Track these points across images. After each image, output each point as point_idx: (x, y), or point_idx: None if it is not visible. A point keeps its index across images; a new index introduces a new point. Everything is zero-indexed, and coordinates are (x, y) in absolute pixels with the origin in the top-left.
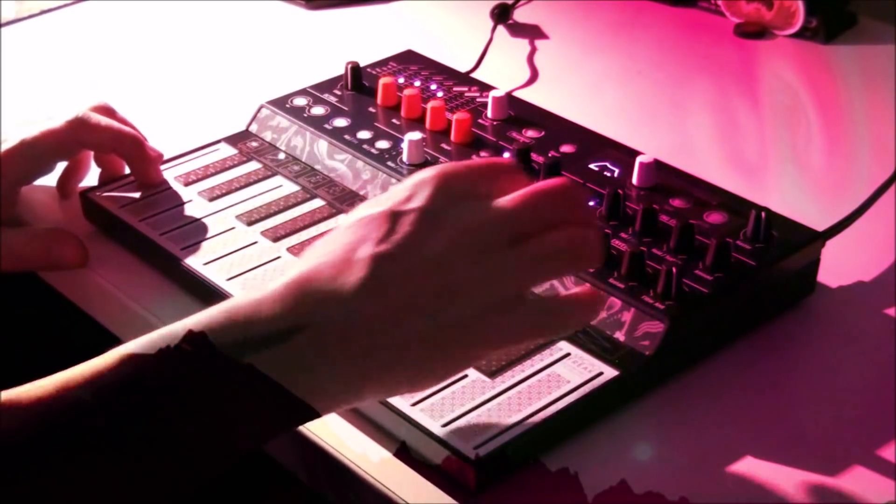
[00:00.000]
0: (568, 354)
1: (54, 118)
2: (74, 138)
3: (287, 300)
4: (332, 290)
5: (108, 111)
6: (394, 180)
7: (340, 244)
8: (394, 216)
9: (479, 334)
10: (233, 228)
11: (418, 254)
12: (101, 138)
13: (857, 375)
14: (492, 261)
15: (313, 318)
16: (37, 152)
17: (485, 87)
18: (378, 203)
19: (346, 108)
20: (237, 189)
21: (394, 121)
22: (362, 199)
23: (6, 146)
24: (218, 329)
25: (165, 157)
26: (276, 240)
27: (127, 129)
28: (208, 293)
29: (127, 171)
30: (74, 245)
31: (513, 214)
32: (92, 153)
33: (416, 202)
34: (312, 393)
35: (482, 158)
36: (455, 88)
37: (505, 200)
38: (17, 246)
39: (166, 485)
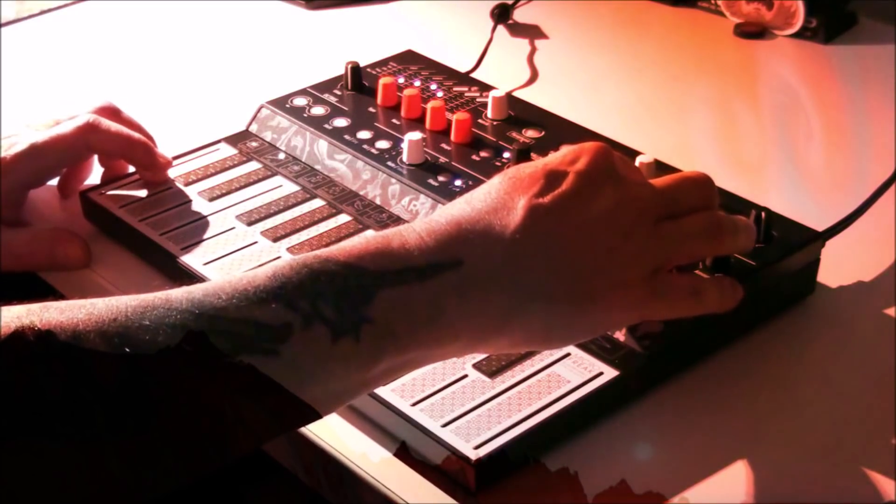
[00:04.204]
0: (568, 354)
1: (63, 122)
2: (84, 144)
3: (441, 237)
4: (489, 231)
5: (113, 112)
6: (394, 180)
7: (497, 192)
8: (553, 174)
9: (618, 301)
10: (233, 228)
11: (575, 213)
12: (112, 144)
13: (857, 375)
14: (639, 234)
15: (470, 255)
16: (46, 156)
17: (485, 87)
18: (536, 162)
19: (346, 108)
20: (237, 189)
21: (394, 121)
22: (362, 199)
23: (16, 150)
24: (368, 258)
25: (165, 156)
26: (276, 240)
27: (137, 135)
28: None
29: (131, 169)
30: (77, 245)
31: (664, 193)
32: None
33: (578, 165)
34: (451, 326)
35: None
36: (455, 88)
37: (655, 181)
38: (19, 246)
39: (158, 479)
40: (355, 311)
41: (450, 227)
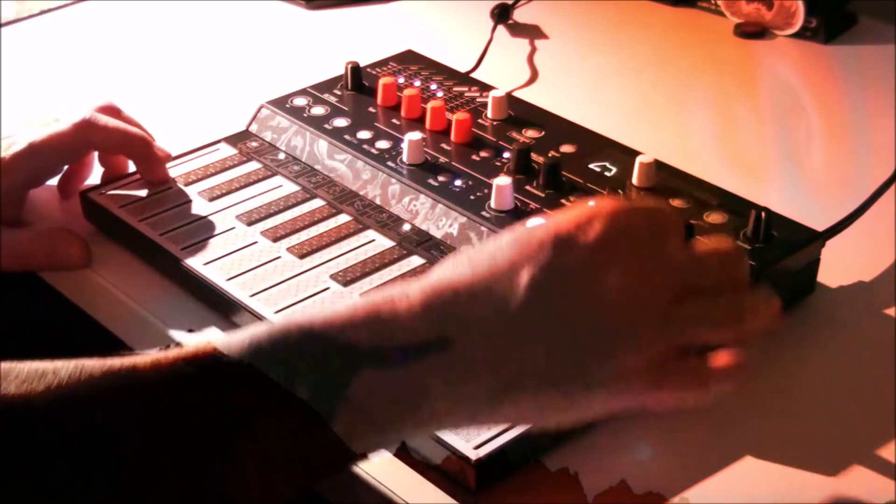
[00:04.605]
0: None
1: (61, 120)
2: (82, 140)
3: (434, 308)
4: (487, 302)
5: (113, 111)
6: (394, 180)
7: (501, 256)
8: (563, 241)
9: (616, 391)
10: (233, 228)
11: (582, 290)
12: (109, 139)
13: (857, 375)
14: (651, 319)
15: (463, 333)
16: (45, 155)
17: (485, 87)
18: (548, 224)
19: (346, 108)
20: (237, 189)
21: (394, 121)
22: (362, 199)
23: (14, 149)
24: (352, 331)
25: (164, 149)
26: (276, 240)
27: (135, 129)
28: (208, 293)
29: (131, 169)
30: (78, 245)
31: (686, 268)
32: (96, 153)
33: (591, 232)
34: (435, 412)
35: (651, 203)
36: (455, 88)
37: (676, 251)
38: (20, 245)
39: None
40: (333, 393)
41: (445, 296)
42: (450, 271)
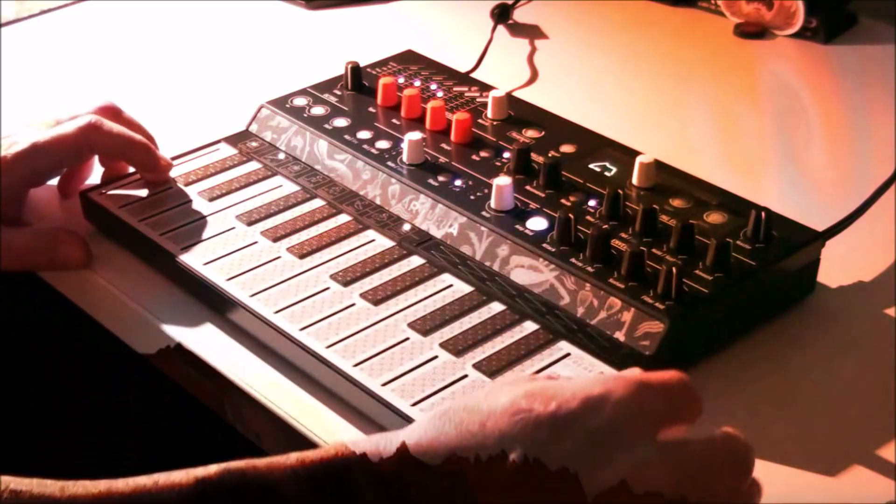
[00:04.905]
0: (568, 354)
1: (64, 121)
2: (85, 144)
3: (402, 478)
4: (465, 477)
5: (114, 112)
6: (394, 180)
7: (495, 423)
8: (563, 423)
9: None
10: (233, 228)
11: (572, 483)
12: (112, 145)
13: (857, 375)
14: None
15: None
16: (47, 156)
17: (485, 87)
18: (551, 399)
19: (346, 108)
20: (237, 189)
21: (394, 121)
22: (362, 199)
23: (16, 148)
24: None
25: (166, 157)
26: (276, 240)
27: (138, 137)
28: (208, 293)
29: (131, 169)
30: (78, 245)
31: (688, 464)
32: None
33: (595, 418)
34: None
35: (663, 379)
36: (455, 88)
37: (684, 443)
38: (20, 245)
39: None
40: None
41: (421, 458)
42: (434, 430)
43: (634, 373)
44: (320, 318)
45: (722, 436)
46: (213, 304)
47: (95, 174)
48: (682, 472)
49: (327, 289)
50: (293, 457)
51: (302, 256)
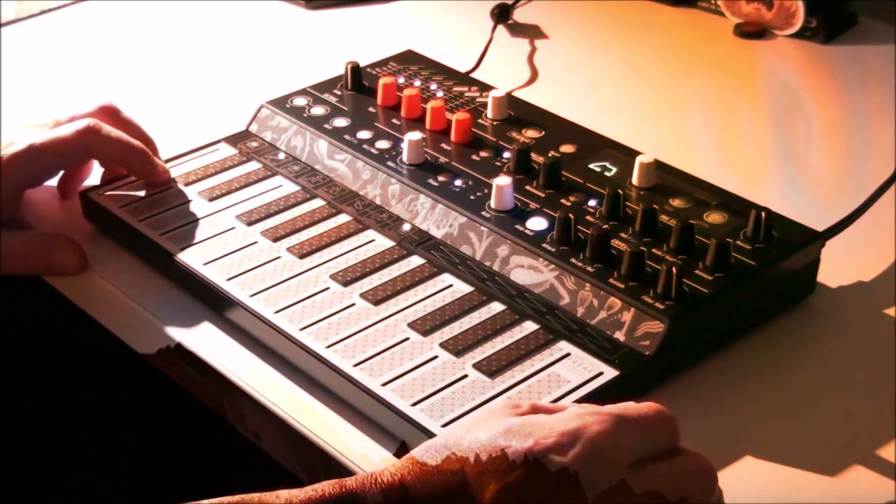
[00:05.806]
0: (568, 354)
1: (63, 123)
2: (83, 148)
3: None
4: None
5: (113, 112)
6: (393, 180)
7: (468, 469)
8: (536, 464)
9: None
10: (233, 228)
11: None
12: (110, 150)
13: (857, 375)
14: None
15: None
16: (44, 158)
17: (485, 87)
18: (529, 436)
19: (346, 108)
20: (237, 189)
21: (394, 121)
22: (362, 199)
23: (14, 149)
24: None
25: (166, 157)
26: (276, 240)
27: (136, 142)
28: (208, 293)
29: None
30: (73, 251)
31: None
32: None
33: (569, 455)
34: None
35: (640, 412)
36: (455, 88)
37: (660, 473)
38: (16, 249)
39: None
40: None
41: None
42: (406, 467)
43: (613, 407)
44: (320, 318)
45: (689, 456)
46: (212, 304)
47: (95, 174)
48: (656, 498)
49: (327, 289)
50: (283, 495)
51: (302, 256)
